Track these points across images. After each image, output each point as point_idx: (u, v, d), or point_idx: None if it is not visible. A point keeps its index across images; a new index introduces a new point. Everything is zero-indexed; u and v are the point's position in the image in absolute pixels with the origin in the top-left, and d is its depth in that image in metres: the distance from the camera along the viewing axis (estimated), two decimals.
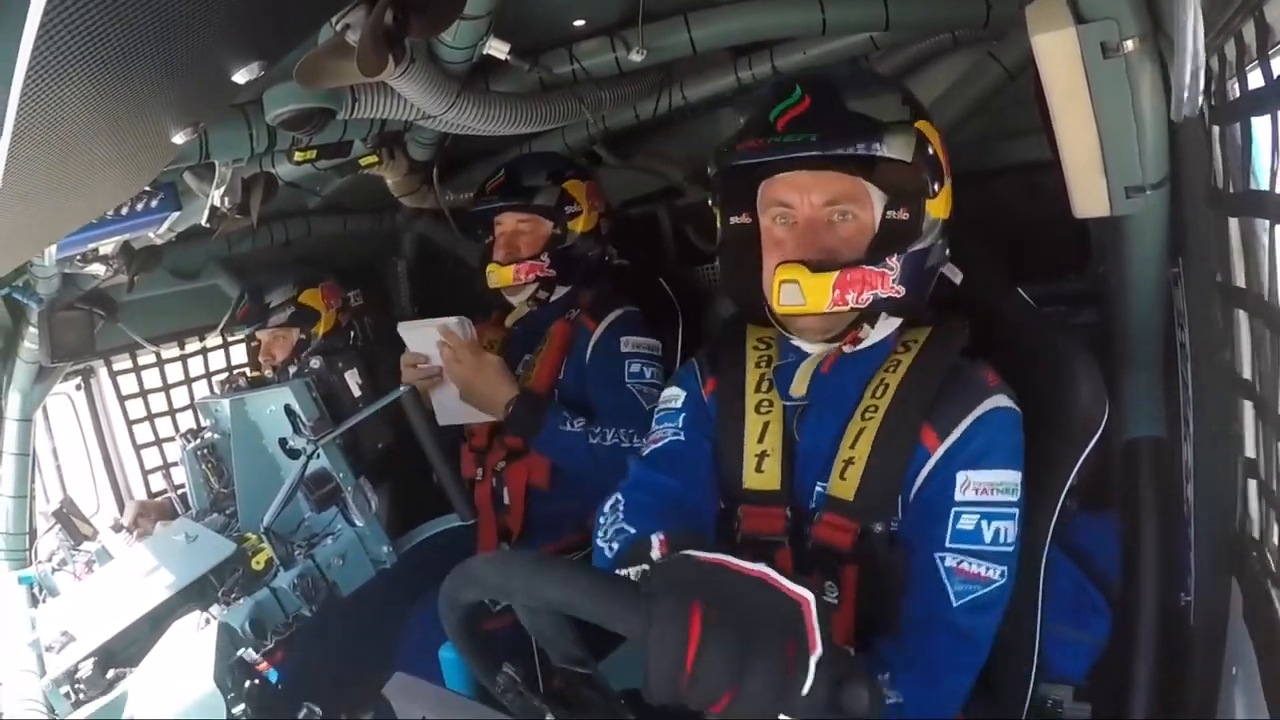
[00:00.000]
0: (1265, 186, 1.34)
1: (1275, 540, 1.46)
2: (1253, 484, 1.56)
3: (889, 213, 1.73)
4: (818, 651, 1.00)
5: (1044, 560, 1.76)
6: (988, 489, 1.64)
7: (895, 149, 1.66)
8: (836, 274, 1.67)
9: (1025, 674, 1.78)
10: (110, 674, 2.11)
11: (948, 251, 1.85)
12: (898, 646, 1.60)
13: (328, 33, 1.84)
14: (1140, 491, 2.03)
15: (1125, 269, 1.90)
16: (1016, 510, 1.65)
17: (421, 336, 2.71)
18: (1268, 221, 1.33)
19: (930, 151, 1.72)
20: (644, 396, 2.78)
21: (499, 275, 2.97)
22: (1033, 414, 1.71)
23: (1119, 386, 2.02)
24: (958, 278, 1.89)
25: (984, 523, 1.62)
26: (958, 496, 1.64)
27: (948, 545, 1.63)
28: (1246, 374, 1.53)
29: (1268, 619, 1.43)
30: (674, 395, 2.05)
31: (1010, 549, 1.64)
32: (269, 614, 2.17)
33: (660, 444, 1.99)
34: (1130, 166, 1.58)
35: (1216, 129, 1.49)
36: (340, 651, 2.69)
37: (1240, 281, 1.50)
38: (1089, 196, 1.67)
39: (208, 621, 2.10)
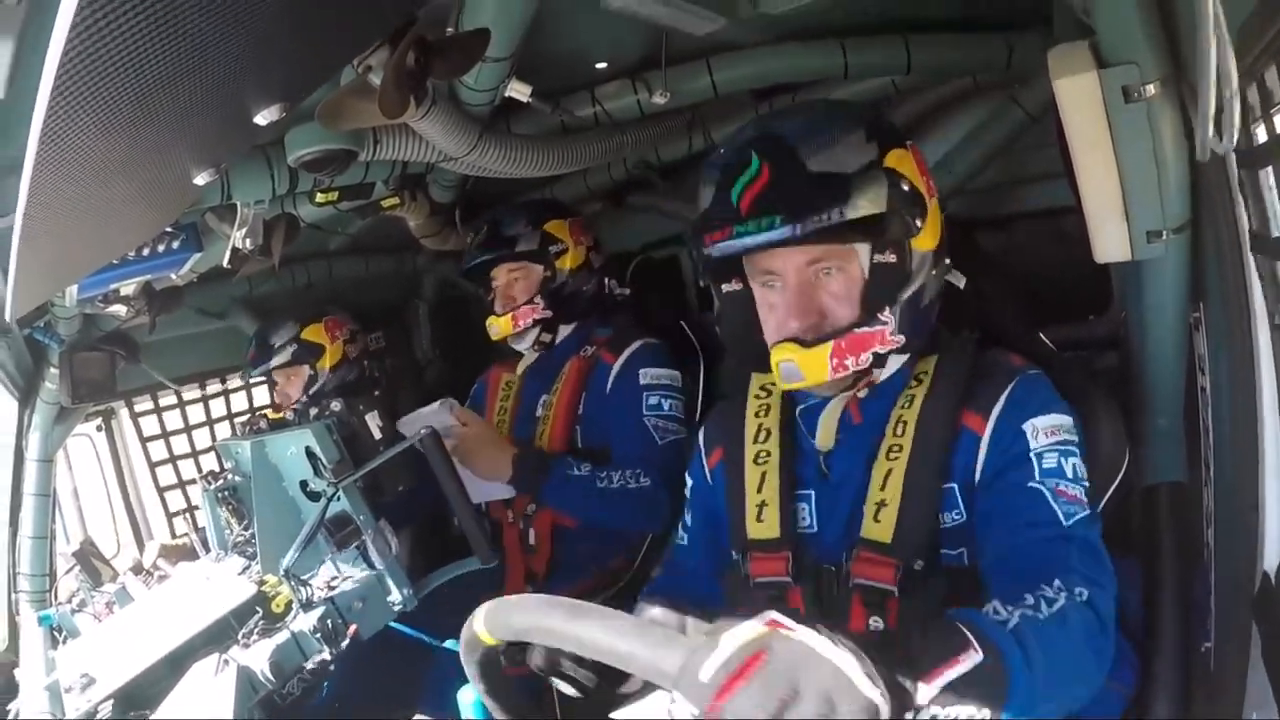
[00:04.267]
0: None
1: None
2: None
3: (876, 257, 1.70)
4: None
5: None
6: (1055, 430, 1.67)
7: (866, 204, 1.62)
8: (831, 344, 1.67)
9: None
10: (130, 716, 2.10)
11: (947, 273, 1.86)
12: (1013, 573, 1.51)
13: (350, 74, 1.86)
14: (1160, 537, 2.02)
15: (1146, 313, 1.91)
16: (1080, 451, 1.68)
17: (415, 427, 2.71)
18: None
19: (906, 187, 1.67)
20: (659, 430, 2.83)
21: (499, 325, 3.07)
22: None
23: (1139, 431, 2.01)
24: (961, 283, 1.89)
25: (1063, 459, 1.64)
26: (1033, 445, 1.66)
27: (1040, 479, 1.62)
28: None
29: None
30: (688, 485, 2.19)
31: (1089, 484, 1.65)
32: (288, 657, 2.15)
33: (674, 547, 2.21)
34: (1151, 211, 1.61)
35: (1240, 172, 1.48)
36: (361, 694, 2.67)
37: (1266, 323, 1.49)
38: (1110, 241, 1.69)
39: (226, 664, 2.09)
